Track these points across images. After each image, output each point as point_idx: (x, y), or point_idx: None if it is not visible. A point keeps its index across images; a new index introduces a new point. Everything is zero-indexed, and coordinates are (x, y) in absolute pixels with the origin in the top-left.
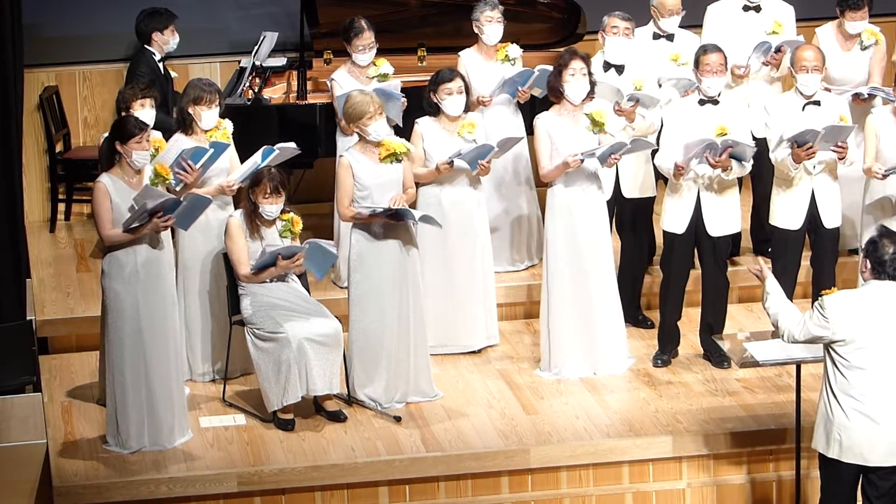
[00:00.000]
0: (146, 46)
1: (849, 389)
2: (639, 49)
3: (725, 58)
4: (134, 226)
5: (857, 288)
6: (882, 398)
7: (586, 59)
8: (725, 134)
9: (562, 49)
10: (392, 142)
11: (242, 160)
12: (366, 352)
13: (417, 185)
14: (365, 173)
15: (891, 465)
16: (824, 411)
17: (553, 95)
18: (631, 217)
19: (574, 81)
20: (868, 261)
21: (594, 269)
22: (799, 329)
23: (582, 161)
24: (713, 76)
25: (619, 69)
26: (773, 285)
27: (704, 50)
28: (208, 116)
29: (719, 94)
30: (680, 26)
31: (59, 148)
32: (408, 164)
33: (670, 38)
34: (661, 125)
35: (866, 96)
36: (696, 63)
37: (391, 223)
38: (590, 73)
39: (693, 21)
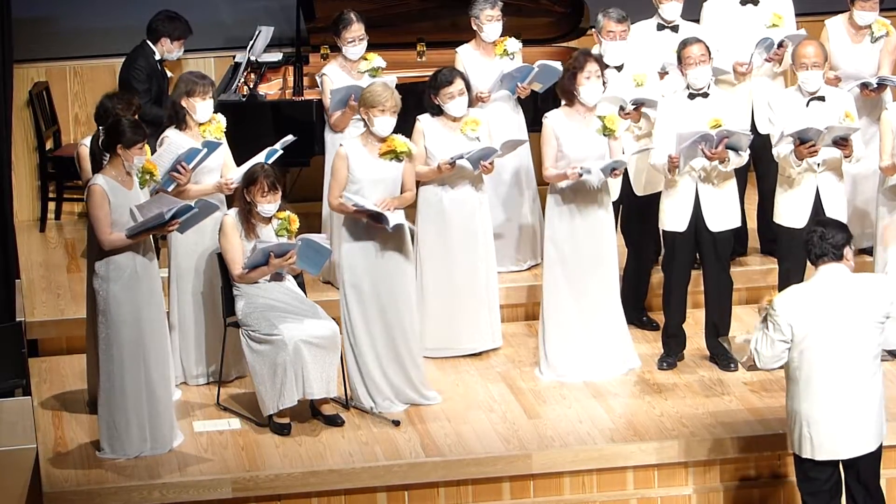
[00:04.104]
0: (148, 42)
1: (809, 383)
2: (643, 40)
3: (707, 47)
4: (140, 231)
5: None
6: (841, 386)
7: (600, 62)
8: (720, 126)
9: (563, 44)
10: (397, 140)
11: (236, 157)
12: (375, 357)
13: (418, 183)
14: (360, 166)
15: (866, 453)
16: (791, 409)
17: (565, 97)
18: (639, 215)
19: (589, 84)
20: (809, 261)
21: (594, 270)
22: (764, 344)
23: (580, 175)
24: (697, 66)
25: (618, 67)
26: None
27: (684, 44)
28: (203, 108)
29: (708, 87)
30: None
31: (49, 145)
32: (409, 165)
33: (675, 28)
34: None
35: (875, 86)
36: (679, 59)
37: (378, 227)
38: (603, 75)
39: (693, 16)
